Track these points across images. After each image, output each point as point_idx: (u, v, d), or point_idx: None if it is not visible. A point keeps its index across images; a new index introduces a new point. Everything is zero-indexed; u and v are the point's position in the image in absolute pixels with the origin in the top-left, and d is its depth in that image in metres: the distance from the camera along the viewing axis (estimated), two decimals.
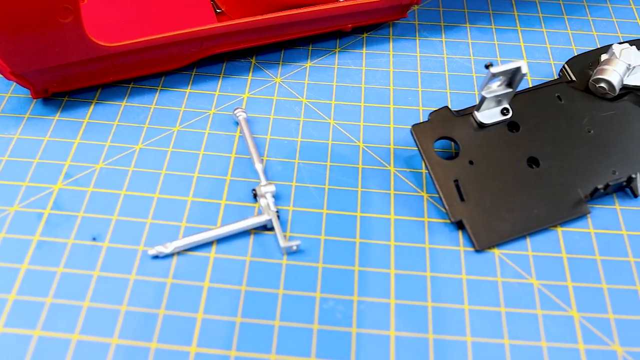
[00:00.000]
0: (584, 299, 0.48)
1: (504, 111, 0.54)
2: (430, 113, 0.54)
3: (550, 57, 0.64)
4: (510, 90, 0.53)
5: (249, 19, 0.57)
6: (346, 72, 0.62)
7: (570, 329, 0.47)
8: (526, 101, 0.56)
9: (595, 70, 0.58)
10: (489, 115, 0.54)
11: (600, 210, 0.54)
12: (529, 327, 0.48)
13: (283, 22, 0.59)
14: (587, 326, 0.47)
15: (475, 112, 0.54)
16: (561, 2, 0.71)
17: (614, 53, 0.58)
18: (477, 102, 0.53)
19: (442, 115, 0.54)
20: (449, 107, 0.56)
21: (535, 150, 0.54)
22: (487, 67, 0.49)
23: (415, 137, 0.53)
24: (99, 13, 0.60)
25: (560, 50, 0.65)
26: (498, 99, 0.53)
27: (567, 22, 0.68)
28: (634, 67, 0.57)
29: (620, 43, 0.59)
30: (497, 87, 0.53)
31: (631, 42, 0.60)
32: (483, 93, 0.52)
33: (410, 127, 0.54)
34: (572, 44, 0.66)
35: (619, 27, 0.68)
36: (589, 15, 0.69)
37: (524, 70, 0.51)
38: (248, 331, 0.46)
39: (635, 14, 0.70)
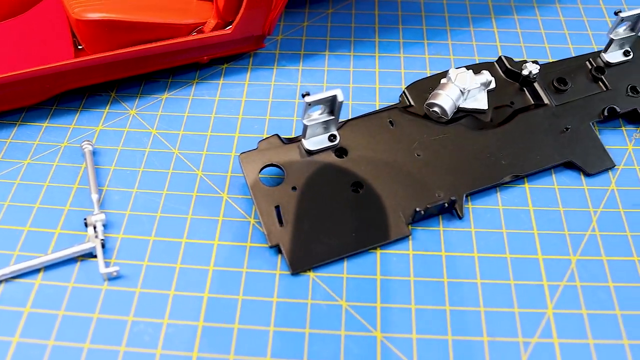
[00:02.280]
0: (390, 320, 0.50)
1: (331, 138, 0.56)
2: (259, 141, 0.56)
3: (403, 82, 0.66)
4: (332, 117, 0.54)
5: (104, 54, 0.60)
6: (200, 102, 0.64)
7: (371, 349, 0.49)
8: (357, 127, 0.58)
9: (430, 95, 0.59)
10: (317, 142, 0.56)
11: (423, 233, 0.55)
12: (331, 347, 0.50)
13: (133, 56, 0.62)
14: (388, 346, 0.49)
15: (303, 140, 0.56)
16: (424, 27, 0.72)
17: (450, 77, 0.59)
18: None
19: (271, 143, 0.56)
20: (286, 135, 0.58)
21: (361, 175, 0.56)
22: (303, 96, 0.51)
23: (241, 165, 0.55)
24: None
25: (414, 75, 0.66)
26: (324, 126, 0.55)
27: (426, 46, 0.70)
28: (469, 90, 0.59)
29: (457, 68, 0.60)
30: (318, 115, 0.55)
31: (469, 67, 0.61)
32: (304, 122, 0.54)
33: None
34: (427, 68, 0.67)
35: (477, 51, 0.70)
36: (449, 40, 0.71)
37: (340, 98, 0.53)
38: (60, 354, 0.49)
39: (496, 36, 0.71)
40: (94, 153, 0.59)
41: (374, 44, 0.70)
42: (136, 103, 0.63)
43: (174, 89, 0.65)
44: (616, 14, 0.59)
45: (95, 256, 0.53)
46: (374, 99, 0.64)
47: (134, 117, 0.62)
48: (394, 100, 0.63)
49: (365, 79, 0.66)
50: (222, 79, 0.66)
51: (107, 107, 0.63)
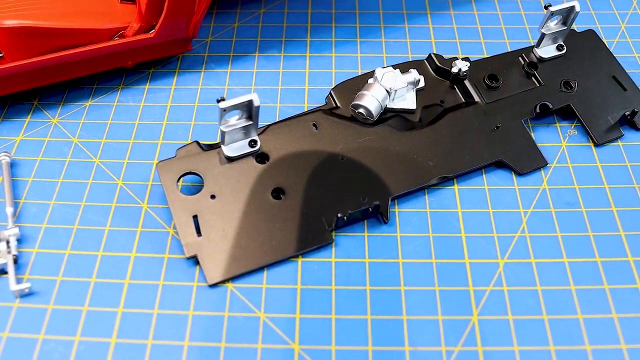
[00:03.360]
0: (309, 331, 0.49)
1: (251, 143, 0.55)
2: (178, 149, 0.54)
3: (333, 82, 0.64)
4: (251, 122, 0.53)
5: (22, 61, 0.59)
6: (124, 109, 0.62)
7: None
8: (280, 131, 0.56)
9: (355, 96, 0.57)
10: (237, 148, 0.55)
11: (347, 239, 0.54)
12: None
13: (53, 63, 0.60)
14: (306, 358, 0.47)
15: (222, 146, 0.54)
16: (357, 25, 0.71)
17: (376, 77, 0.58)
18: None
19: (190, 151, 0.55)
20: (211, 141, 0.58)
21: (282, 181, 0.54)
22: (218, 101, 0.50)
23: (159, 174, 0.53)
24: None
25: (345, 74, 0.65)
26: (244, 132, 0.53)
27: (359, 45, 0.68)
28: (396, 90, 0.57)
29: (384, 67, 0.58)
30: (236, 121, 0.53)
31: (397, 65, 0.60)
32: (221, 128, 0.52)
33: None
34: (359, 67, 0.66)
35: (411, 48, 0.68)
36: (382, 37, 0.69)
37: (257, 102, 0.51)
38: None
39: (431, 33, 0.70)
40: (12, 164, 0.57)
41: (306, 44, 0.68)
42: (59, 111, 0.62)
43: (99, 95, 0.63)
44: (546, 7, 0.58)
45: (7, 272, 0.50)
46: (303, 101, 0.62)
47: (55, 126, 0.60)
48: (322, 101, 0.61)
49: (295, 80, 0.64)
50: (148, 83, 0.64)
51: (29, 116, 0.62)
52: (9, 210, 0.54)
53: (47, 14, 0.59)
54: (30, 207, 0.55)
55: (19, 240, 0.54)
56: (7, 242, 0.52)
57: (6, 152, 0.58)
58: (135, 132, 0.60)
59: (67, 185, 0.56)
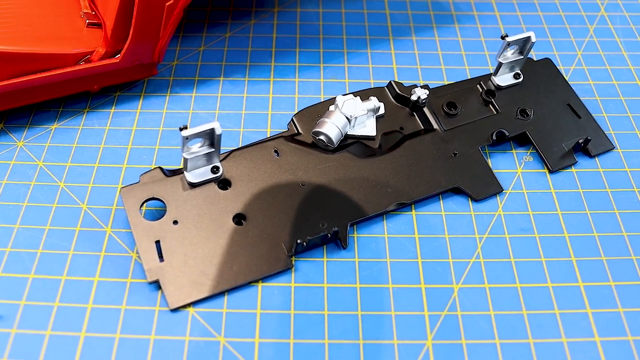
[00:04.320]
0: (268, 356, 0.50)
1: (214, 169, 0.56)
2: (141, 174, 0.55)
3: (296, 107, 0.66)
4: (213, 149, 0.54)
5: None
6: (90, 132, 0.63)
7: None
8: (242, 157, 0.58)
9: (316, 123, 0.59)
10: (199, 174, 0.56)
11: (306, 264, 0.56)
12: None
13: (17, 88, 0.61)
14: None
15: (185, 172, 0.55)
16: (321, 50, 0.72)
17: (337, 105, 0.59)
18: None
19: (153, 176, 0.55)
20: (175, 165, 0.59)
21: (244, 207, 0.55)
22: (180, 129, 0.51)
23: (122, 199, 0.54)
24: None
25: (308, 100, 0.66)
26: (207, 158, 0.55)
27: (322, 70, 0.69)
28: (356, 117, 0.59)
29: (345, 94, 0.60)
30: (198, 148, 0.54)
31: (357, 93, 0.62)
32: (184, 155, 0.54)
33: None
34: (322, 92, 0.67)
35: (373, 73, 0.70)
36: (345, 63, 0.71)
37: (218, 131, 0.53)
38: None
39: (393, 58, 0.71)
40: None
41: (270, 68, 0.70)
42: (24, 134, 0.62)
43: (65, 118, 0.64)
44: (503, 37, 0.60)
45: None
46: (266, 126, 0.64)
47: (21, 149, 0.61)
48: (285, 127, 0.62)
49: (259, 105, 0.66)
50: (113, 107, 0.65)
51: None
52: None
53: (12, 37, 0.60)
54: None
55: None
56: None
57: None
58: (100, 156, 0.61)
59: (32, 209, 0.57)
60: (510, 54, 0.63)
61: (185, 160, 0.54)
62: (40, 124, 0.64)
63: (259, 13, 0.76)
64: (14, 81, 0.59)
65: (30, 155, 0.61)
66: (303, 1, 0.77)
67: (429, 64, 0.71)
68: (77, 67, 0.61)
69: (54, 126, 0.64)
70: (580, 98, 0.66)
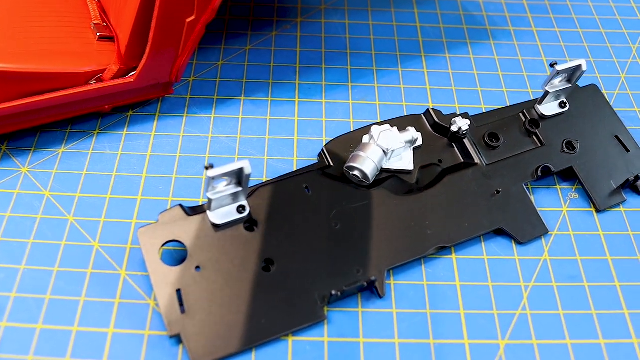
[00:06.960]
0: None
1: (239, 209, 0.50)
2: (160, 213, 0.50)
3: (324, 133, 0.60)
4: (240, 189, 0.49)
5: None
6: (100, 157, 0.58)
7: None
8: (269, 194, 0.53)
9: (349, 157, 0.54)
10: (224, 214, 0.51)
11: (340, 315, 0.51)
12: None
13: (23, 110, 0.56)
14: None
15: (208, 212, 0.50)
16: (349, 67, 0.67)
17: (372, 136, 0.54)
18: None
19: (173, 216, 0.50)
20: (195, 197, 0.55)
21: (273, 251, 0.50)
22: (206, 169, 0.46)
23: (140, 242, 0.49)
24: None
25: (336, 125, 0.61)
26: (232, 197, 0.49)
27: (350, 90, 0.64)
28: (393, 150, 0.53)
29: (379, 123, 0.55)
30: (224, 187, 0.49)
31: (394, 121, 0.58)
32: (209, 195, 0.48)
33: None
34: (351, 116, 0.62)
35: (405, 95, 0.64)
36: (375, 82, 0.65)
37: (248, 170, 0.48)
38: None
39: (426, 78, 0.66)
40: None
41: (294, 87, 0.64)
42: (29, 158, 0.57)
43: (73, 140, 0.58)
44: (552, 65, 0.55)
45: None
46: (292, 154, 0.58)
47: (25, 176, 0.56)
48: (313, 155, 0.57)
49: (284, 130, 0.60)
50: (126, 128, 0.59)
51: None
52: None
53: (18, 54, 0.55)
54: None
55: None
56: None
57: None
58: (113, 186, 0.56)
59: (39, 247, 0.52)
60: (558, 82, 0.58)
61: (210, 200, 0.48)
62: (46, 147, 0.59)
63: (280, 23, 0.70)
64: (17, 103, 0.54)
65: (36, 183, 0.55)
66: (328, 12, 0.71)
67: (465, 84, 0.66)
68: (87, 87, 0.56)
69: (61, 149, 0.58)
70: (627, 128, 0.60)
